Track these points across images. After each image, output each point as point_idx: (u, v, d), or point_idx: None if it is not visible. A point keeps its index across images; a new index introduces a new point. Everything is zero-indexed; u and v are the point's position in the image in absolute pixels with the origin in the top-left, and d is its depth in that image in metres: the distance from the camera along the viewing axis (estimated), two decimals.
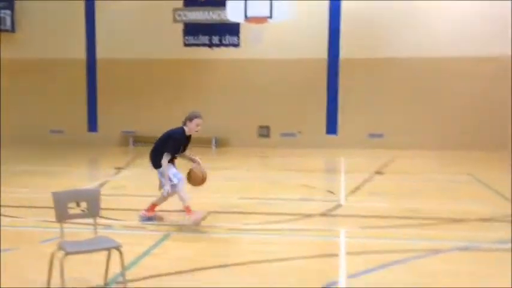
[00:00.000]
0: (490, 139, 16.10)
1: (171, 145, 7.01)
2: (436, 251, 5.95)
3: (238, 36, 16.83)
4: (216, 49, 17.02)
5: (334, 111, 17.15)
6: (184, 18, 17.08)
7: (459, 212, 7.89)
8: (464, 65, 16.30)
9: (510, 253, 5.90)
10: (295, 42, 16.91)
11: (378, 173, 12.03)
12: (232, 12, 13.21)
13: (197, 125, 7.11)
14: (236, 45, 16.97)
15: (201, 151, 16.00)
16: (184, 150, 7.25)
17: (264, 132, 17.49)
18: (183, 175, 7.12)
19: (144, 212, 7.33)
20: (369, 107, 16.88)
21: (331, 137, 17.20)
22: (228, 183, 10.56)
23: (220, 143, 17.24)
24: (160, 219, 7.37)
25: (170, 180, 6.96)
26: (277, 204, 8.59)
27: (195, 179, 7.14)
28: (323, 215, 7.86)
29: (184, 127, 7.14)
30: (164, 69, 17.55)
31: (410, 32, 16.52)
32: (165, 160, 6.94)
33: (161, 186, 7.16)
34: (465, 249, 6.08)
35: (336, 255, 5.81)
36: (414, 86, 16.65)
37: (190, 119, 7.10)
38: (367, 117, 16.91)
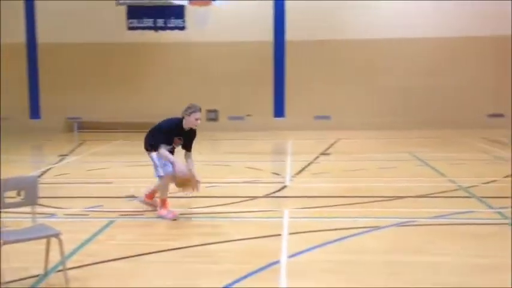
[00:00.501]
0: (429, 118, 16.65)
1: (162, 137, 6.71)
2: (375, 228, 6.16)
3: (184, 19, 16.68)
4: (161, 32, 16.81)
5: (281, 94, 17.33)
6: (127, 0, 16.76)
7: (398, 190, 8.17)
8: (406, 46, 16.76)
9: (445, 226, 6.21)
10: (241, 25, 16.93)
11: (324, 154, 12.27)
12: None
13: (196, 119, 6.72)
14: (182, 28, 16.82)
15: None
16: (185, 143, 6.87)
17: (213, 116, 17.50)
18: (171, 169, 6.65)
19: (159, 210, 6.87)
20: (315, 89, 17.13)
21: (279, 119, 17.40)
22: None
23: None
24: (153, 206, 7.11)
25: (157, 170, 6.68)
26: (224, 187, 8.66)
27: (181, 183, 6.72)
28: (268, 196, 7.98)
29: (184, 120, 6.77)
30: (108, 53, 17.26)
31: (353, 14, 16.83)
32: (159, 151, 6.60)
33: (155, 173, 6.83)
34: (402, 225, 6.32)
35: (279, 235, 5.93)
36: (359, 68, 17.02)
37: (188, 113, 6.71)
38: (314, 99, 17.18)
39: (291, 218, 6.72)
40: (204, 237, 5.89)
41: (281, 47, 17.13)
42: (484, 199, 7.47)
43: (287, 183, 8.97)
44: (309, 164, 10.77)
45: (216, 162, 11.22)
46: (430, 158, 11.13)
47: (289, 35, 16.99)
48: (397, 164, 10.79)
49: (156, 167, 6.76)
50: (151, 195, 7.14)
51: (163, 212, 6.76)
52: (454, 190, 8.21)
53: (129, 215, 6.95)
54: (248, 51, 17.11)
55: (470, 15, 16.41)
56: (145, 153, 6.95)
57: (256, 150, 13.24)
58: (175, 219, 6.63)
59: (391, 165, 10.67)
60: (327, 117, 17.26)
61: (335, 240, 5.73)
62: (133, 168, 10.29)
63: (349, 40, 16.89)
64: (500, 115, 16.73)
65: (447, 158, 11.34)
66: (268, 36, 17.06)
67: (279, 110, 17.42)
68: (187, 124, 6.76)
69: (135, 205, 7.35)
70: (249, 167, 10.52)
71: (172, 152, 6.83)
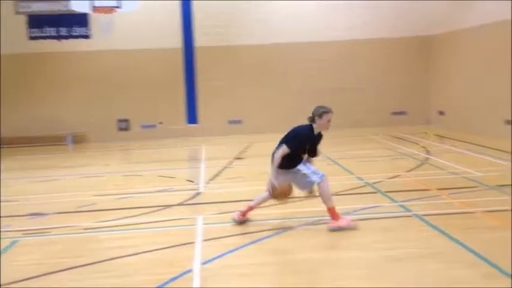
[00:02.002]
0: (338, 119, 17.16)
1: (296, 141, 6.35)
2: (289, 228, 6.26)
3: (88, 27, 16.19)
4: (64, 41, 16.20)
5: (193, 101, 17.23)
6: (27, 9, 16.04)
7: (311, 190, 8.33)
8: (314, 49, 17.19)
9: (355, 222, 6.42)
10: (149, 32, 16.70)
11: (237, 158, 12.33)
12: (78, 3, 12.66)
13: (328, 121, 6.40)
14: (86, 36, 16.31)
15: (56, 149, 15.43)
16: (314, 150, 6.52)
17: (123, 125, 17.10)
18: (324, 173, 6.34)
19: (332, 222, 6.28)
20: (227, 94, 17.19)
21: (192, 126, 17.29)
22: (84, 180, 10.18)
23: (77, 140, 16.56)
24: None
25: (312, 177, 6.22)
26: (136, 198, 8.46)
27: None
28: (182, 204, 7.89)
29: (313, 124, 6.44)
30: (9, 65, 16.37)
31: (261, 19, 17.03)
32: (280, 151, 6.26)
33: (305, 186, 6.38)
34: (315, 223, 6.46)
35: (193, 243, 5.87)
36: (268, 71, 17.25)
37: (319, 115, 6.39)
38: (226, 104, 17.22)
39: (205, 224, 6.68)
40: (113, 251, 5.70)
41: (190, 53, 17.04)
42: (388, 193, 7.81)
43: (201, 189, 8.92)
44: (223, 169, 10.78)
45: (128, 172, 10.97)
46: (339, 157, 11.47)
47: (198, 41, 16.94)
48: None
49: (308, 176, 6.27)
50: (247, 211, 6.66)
51: (339, 222, 6.18)
52: (362, 187, 8.52)
53: (33, 233, 6.61)
54: (158, 59, 16.88)
55: (377, 17, 17.09)
56: (280, 171, 6.34)
57: (170, 158, 13.07)
58: (354, 228, 6.17)
59: None
60: (239, 122, 17.38)
61: (250, 244, 5.76)
62: (38, 184, 9.84)
63: (258, 45, 17.09)
64: (403, 113, 17.57)
65: (355, 156, 11.74)
66: (177, 42, 16.92)
67: (191, 117, 17.31)
68: (319, 127, 6.42)
69: (39, 222, 7.01)
70: (162, 176, 10.36)
71: (299, 161, 6.41)
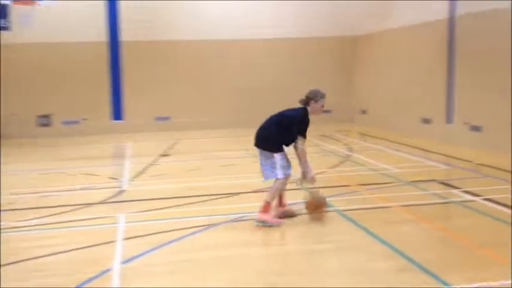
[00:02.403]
0: (266, 116, 17.35)
1: (306, 129, 6.09)
2: (212, 225, 6.26)
3: (8, 19, 15.42)
4: None
5: (118, 96, 16.87)
6: None
7: (236, 187, 8.40)
8: (243, 47, 17.27)
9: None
10: (73, 25, 16.18)
11: (163, 155, 12.19)
12: None
13: (322, 106, 6.18)
14: (6, 28, 15.53)
15: None
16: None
17: (44, 121, 16.48)
18: (290, 172, 6.19)
19: (260, 215, 6.21)
20: (154, 90, 16.95)
21: (118, 122, 16.93)
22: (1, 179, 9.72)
23: None
24: (291, 214, 6.46)
25: (276, 171, 6.07)
26: (56, 196, 8.19)
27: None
28: (104, 202, 7.71)
29: (307, 107, 6.17)
30: None
31: (190, 14, 16.92)
32: (303, 147, 6.04)
33: (267, 175, 6.24)
34: (239, 220, 6.50)
35: (114, 241, 5.75)
36: (196, 68, 17.17)
37: (315, 99, 6.14)
38: (154, 100, 16.98)
39: (127, 222, 6.57)
40: (31, 251, 5.49)
41: (116, 48, 16.66)
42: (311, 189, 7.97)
43: (124, 187, 8.75)
44: (148, 167, 10.63)
45: (50, 170, 10.58)
46: None
47: (125, 35, 16.59)
48: (236, 161, 11.08)
49: (275, 168, 6.13)
50: (282, 203, 6.46)
51: (266, 216, 6.12)
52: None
53: None
54: (81, 52, 16.38)
55: (303, 17, 17.38)
56: (260, 152, 6.27)
57: (93, 155, 12.72)
58: (278, 225, 6.10)
59: (230, 163, 10.92)
60: (167, 118, 17.18)
61: (172, 241, 5.71)
62: None
63: (186, 41, 16.97)
64: (328, 111, 17.95)
65: None
66: (103, 36, 16.49)
67: (117, 113, 16.94)
68: (313, 112, 6.17)
69: None
70: (84, 173, 10.07)
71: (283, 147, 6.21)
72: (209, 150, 12.88)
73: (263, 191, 8.04)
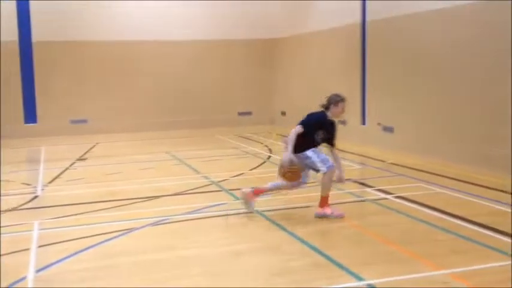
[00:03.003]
0: (186, 118, 17.30)
1: (309, 122, 6.37)
2: (131, 230, 6.16)
3: None
4: None
5: (31, 99, 16.16)
6: None
7: (156, 190, 8.30)
8: (161, 48, 17.07)
9: (199, 220, 6.52)
10: None
11: (80, 159, 11.84)
12: None
13: (342, 109, 6.43)
14: None
15: None
16: (329, 137, 6.50)
17: None
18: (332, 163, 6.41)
19: (319, 209, 6.46)
20: (70, 93, 16.40)
21: (31, 126, 16.23)
22: None
23: None
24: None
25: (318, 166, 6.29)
26: None
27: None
28: (17, 209, 7.38)
29: (327, 112, 6.45)
30: None
31: (104, 15, 16.52)
32: (293, 130, 6.24)
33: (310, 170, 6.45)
34: (158, 223, 6.44)
35: (28, 249, 5.53)
36: (115, 70, 16.78)
37: (335, 103, 6.41)
38: (69, 103, 16.42)
39: (42, 229, 6.33)
40: None
41: (28, 48, 15.93)
42: (232, 191, 8.05)
43: (38, 193, 8.43)
44: (64, 171, 10.29)
45: None
46: (186, 157, 11.56)
47: (37, 35, 15.93)
48: (156, 164, 10.96)
49: (315, 163, 6.32)
50: (260, 191, 6.69)
51: (326, 209, 6.42)
52: (207, 185, 8.68)
53: None
54: None
55: (224, 19, 17.42)
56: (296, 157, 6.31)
57: (5, 160, 12.12)
58: (342, 217, 6.40)
59: (149, 166, 10.79)
60: (83, 121, 16.67)
61: (89, 248, 5.57)
62: None
63: (103, 41, 16.54)
64: (249, 113, 18.18)
65: (202, 155, 11.90)
66: (13, 35, 15.74)
67: (29, 115, 16.21)
68: (334, 115, 6.47)
69: None
70: None
71: (311, 146, 6.43)
72: (128, 153, 12.64)
73: (183, 194, 8.04)
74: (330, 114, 6.53)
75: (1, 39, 15.47)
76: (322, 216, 6.41)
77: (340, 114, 6.58)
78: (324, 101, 6.58)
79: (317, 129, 6.45)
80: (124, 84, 16.89)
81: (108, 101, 16.75)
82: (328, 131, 6.54)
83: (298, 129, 6.31)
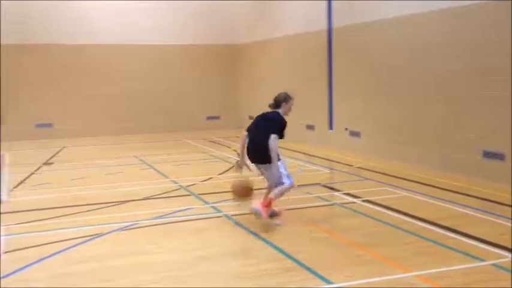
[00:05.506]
0: (154, 123, 17.18)
1: (283, 129, 6.36)
2: (97, 235, 6.08)
3: None
4: None
5: None
6: None
7: (123, 195, 8.22)
8: (127, 52, 16.95)
9: (166, 225, 6.48)
10: None
11: (46, 164, 11.63)
12: None
13: (291, 106, 6.52)
14: None
15: None
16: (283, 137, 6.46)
17: None
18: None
19: (259, 205, 6.24)
20: (35, 96, 16.12)
21: None
22: None
23: None
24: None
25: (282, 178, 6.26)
26: None
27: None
28: None
29: (279, 110, 6.47)
30: None
31: (72, 17, 16.32)
32: (275, 143, 6.17)
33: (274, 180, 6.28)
34: (124, 229, 6.37)
35: None
36: (80, 73, 16.65)
37: (286, 100, 6.49)
38: (35, 106, 16.13)
39: (4, 236, 6.18)
40: None
41: None
42: (201, 196, 8.03)
43: (3, 198, 8.22)
44: (29, 176, 10.10)
45: None
46: (155, 161, 11.47)
47: (3, 38, 15.59)
48: (123, 169, 10.85)
49: (282, 175, 6.29)
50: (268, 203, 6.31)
51: (265, 212, 6.21)
52: (176, 190, 8.62)
53: None
54: None
55: (193, 24, 17.41)
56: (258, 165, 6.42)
57: None
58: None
59: (117, 170, 10.67)
60: (49, 125, 16.37)
61: (54, 254, 5.47)
62: None
63: (69, 45, 16.32)
64: (217, 117, 18.15)
65: (171, 159, 11.84)
66: None
67: None
68: (284, 113, 6.52)
69: None
70: None
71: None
72: (94, 158, 12.48)
73: (152, 198, 7.97)
74: (282, 112, 6.55)
75: None
76: (256, 212, 6.20)
77: (289, 112, 6.61)
78: (274, 100, 6.58)
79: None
80: (90, 88, 16.68)
81: (75, 105, 16.52)
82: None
83: (276, 140, 6.24)
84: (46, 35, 16.07)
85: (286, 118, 6.52)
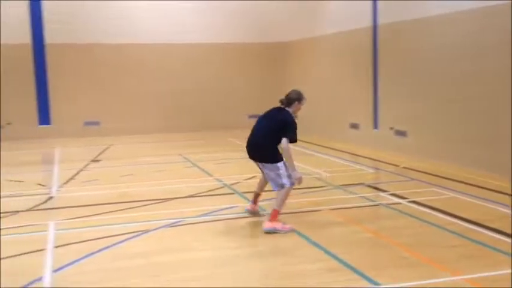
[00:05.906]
0: (197, 121, 17.37)
1: (294, 130, 6.01)
2: (144, 232, 6.21)
3: None
4: None
5: (44, 100, 16.33)
6: None
7: (168, 192, 8.36)
8: (174, 51, 17.18)
9: (210, 223, 6.56)
10: None
11: (94, 161, 11.94)
12: None
13: (300, 108, 6.28)
14: None
15: None
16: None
17: None
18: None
19: (268, 223, 6.05)
20: (83, 94, 16.55)
21: (45, 127, 16.38)
22: None
23: None
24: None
25: (282, 179, 6.05)
26: None
27: None
28: (32, 210, 7.47)
29: (289, 108, 6.18)
30: None
31: (118, 18, 16.65)
32: (289, 146, 5.95)
33: (276, 183, 6.09)
34: (171, 225, 6.49)
35: (43, 249, 5.60)
36: (126, 72, 16.91)
37: (299, 99, 6.22)
38: (82, 104, 16.57)
39: (57, 230, 6.40)
40: None
41: (41, 50, 16.08)
42: (244, 194, 8.08)
43: (53, 194, 8.51)
44: (78, 173, 10.38)
45: None
46: (198, 159, 11.60)
47: (50, 37, 16.05)
48: (168, 166, 11.02)
49: (282, 176, 6.07)
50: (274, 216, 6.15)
51: (275, 224, 6.04)
52: (220, 188, 8.71)
53: None
54: (5, 54, 15.70)
55: (239, 22, 17.53)
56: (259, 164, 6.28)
57: (19, 161, 12.26)
58: (293, 231, 6.05)
59: (162, 168, 10.84)
60: (96, 123, 16.79)
61: (104, 248, 5.63)
62: None
63: (117, 44, 16.67)
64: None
65: (214, 158, 11.94)
66: (26, 38, 15.90)
67: (43, 117, 16.37)
68: (294, 112, 6.25)
69: None
70: (10, 180, 9.70)
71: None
72: (141, 155, 12.72)
73: (196, 196, 8.08)
74: (292, 111, 6.30)
75: (15, 41, 15.63)
76: (271, 232, 6.01)
77: (297, 113, 6.38)
78: (286, 97, 6.35)
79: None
80: (137, 87, 17.00)
81: (121, 103, 16.87)
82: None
83: (290, 145, 6.08)
84: (94, 34, 16.47)
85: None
